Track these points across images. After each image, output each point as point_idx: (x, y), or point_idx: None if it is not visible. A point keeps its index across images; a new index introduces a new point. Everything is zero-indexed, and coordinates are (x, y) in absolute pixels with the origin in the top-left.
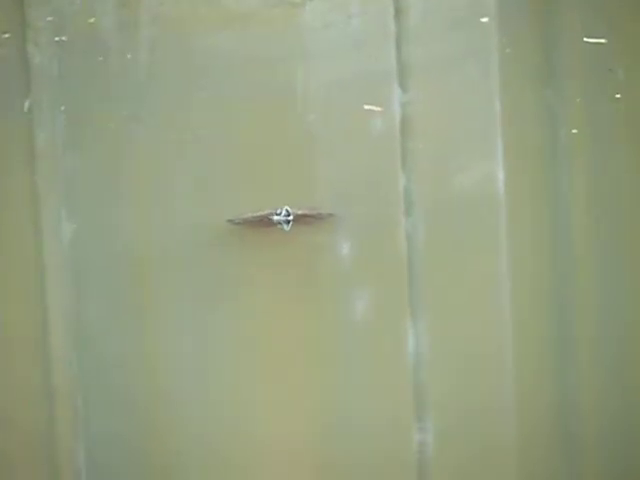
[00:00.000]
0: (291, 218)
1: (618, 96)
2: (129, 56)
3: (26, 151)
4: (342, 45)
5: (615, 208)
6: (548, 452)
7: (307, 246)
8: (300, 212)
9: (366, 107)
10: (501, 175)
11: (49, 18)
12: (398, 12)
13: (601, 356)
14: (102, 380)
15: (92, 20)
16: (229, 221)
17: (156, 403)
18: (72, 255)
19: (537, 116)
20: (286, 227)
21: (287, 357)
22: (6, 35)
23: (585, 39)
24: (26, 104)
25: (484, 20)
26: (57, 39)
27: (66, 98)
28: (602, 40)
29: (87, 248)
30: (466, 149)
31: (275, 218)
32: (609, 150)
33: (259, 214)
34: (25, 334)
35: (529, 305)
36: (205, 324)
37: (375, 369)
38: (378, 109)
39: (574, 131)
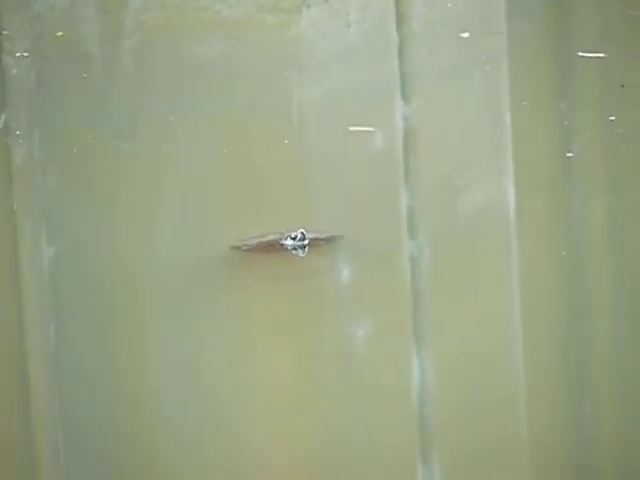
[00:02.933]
0: (307, 242)
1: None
2: (112, 67)
3: (2, 169)
4: (341, 55)
5: (632, 229)
6: None
7: (321, 272)
8: (312, 236)
9: (352, 129)
10: (512, 194)
11: (27, 27)
12: (400, 19)
13: (616, 378)
14: (83, 410)
15: (63, 32)
16: (234, 247)
17: (142, 435)
18: (52, 280)
19: (551, 130)
20: (301, 253)
21: (287, 388)
22: None
23: (582, 53)
24: (1, 119)
25: (494, 28)
26: (35, 49)
27: (45, 113)
28: (601, 55)
29: (68, 272)
30: (474, 166)
31: (288, 243)
32: (626, 167)
33: (268, 239)
34: (2, 361)
35: (541, 333)
36: (199, 354)
37: (379, 401)
38: (369, 129)
39: (589, 146)
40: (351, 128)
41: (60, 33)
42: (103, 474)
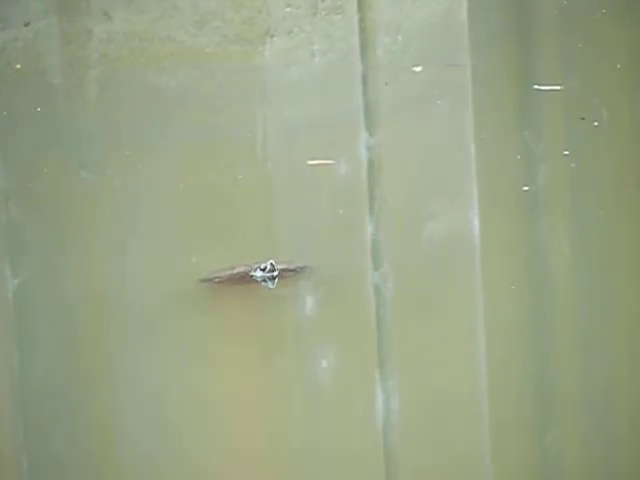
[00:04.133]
0: (276, 274)
1: (597, 143)
2: (76, 97)
3: None
4: (305, 85)
5: (597, 256)
6: None
7: (289, 302)
8: (281, 267)
9: (311, 162)
10: (476, 223)
11: None
12: (364, 49)
13: (582, 413)
14: (49, 444)
15: (26, 63)
16: (204, 280)
17: (108, 464)
18: (16, 310)
19: (515, 159)
20: (271, 284)
21: (255, 418)
22: None
23: (537, 86)
24: None
25: (457, 58)
26: (1, 79)
27: (8, 143)
28: (557, 87)
29: (33, 303)
30: (438, 195)
31: (258, 274)
32: (591, 195)
33: (238, 270)
34: None
35: (505, 360)
36: (166, 384)
37: (343, 429)
38: (328, 162)
39: (554, 175)
40: (310, 162)
41: (23, 64)
42: None
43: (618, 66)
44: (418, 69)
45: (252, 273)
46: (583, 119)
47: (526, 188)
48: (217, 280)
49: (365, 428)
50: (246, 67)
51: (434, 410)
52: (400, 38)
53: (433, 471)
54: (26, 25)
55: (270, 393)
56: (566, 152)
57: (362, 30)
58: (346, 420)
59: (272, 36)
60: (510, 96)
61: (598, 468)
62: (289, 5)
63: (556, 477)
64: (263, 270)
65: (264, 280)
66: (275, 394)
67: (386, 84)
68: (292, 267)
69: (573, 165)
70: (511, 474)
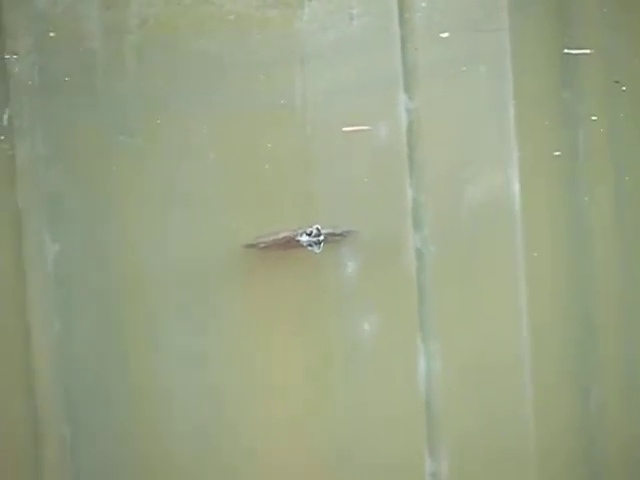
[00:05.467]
0: (322, 238)
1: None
2: (116, 63)
3: (6, 166)
4: (343, 49)
5: (636, 216)
6: (569, 476)
7: (332, 267)
8: (326, 231)
9: (346, 129)
10: (516, 185)
11: (29, 25)
12: (403, 13)
13: (625, 374)
14: (91, 413)
15: (65, 30)
16: (249, 245)
17: (149, 430)
18: (56, 277)
19: (554, 121)
20: (317, 249)
21: (298, 383)
22: None
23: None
24: (5, 116)
25: (496, 23)
26: (38, 47)
27: (49, 109)
28: (587, 51)
29: (73, 270)
30: (478, 158)
31: (304, 239)
32: (632, 155)
33: (284, 235)
34: (7, 358)
35: (548, 323)
36: (209, 351)
37: (385, 393)
38: (364, 128)
39: (595, 135)
40: (345, 129)
41: (62, 30)
42: (109, 469)
43: None
44: (456, 33)
45: (298, 238)
46: (617, 82)
47: (560, 153)
48: (262, 245)
49: (407, 391)
50: (284, 31)
51: (476, 373)
52: (438, 1)
53: (476, 434)
54: None
55: (314, 357)
56: (601, 116)
57: None
58: (388, 383)
59: (310, 0)
60: (547, 60)
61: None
62: None
63: (599, 438)
64: (309, 235)
65: (310, 245)
66: (319, 358)
67: (424, 48)
68: (338, 232)
69: (611, 129)
70: (554, 436)
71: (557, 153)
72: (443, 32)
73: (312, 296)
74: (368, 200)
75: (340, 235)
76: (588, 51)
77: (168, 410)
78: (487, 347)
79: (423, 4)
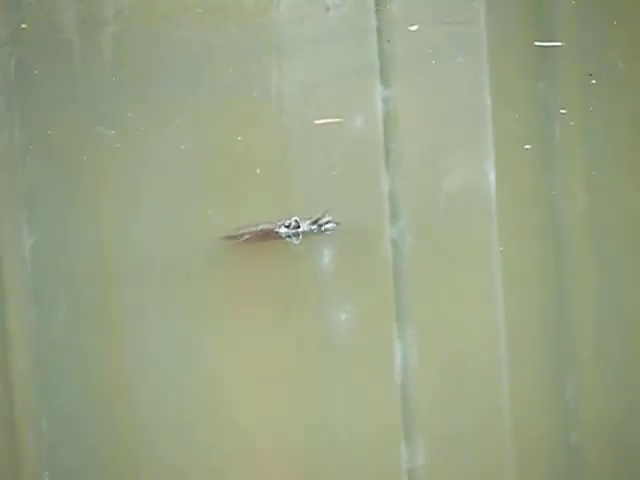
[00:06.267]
0: (301, 230)
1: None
2: (92, 53)
3: None
4: (319, 39)
5: (614, 208)
6: (546, 466)
7: (309, 257)
8: (304, 223)
9: (317, 122)
10: (492, 175)
11: (5, 15)
12: (379, 3)
13: (602, 367)
14: (68, 399)
15: (41, 20)
16: (227, 237)
17: (127, 423)
18: (33, 269)
19: (530, 111)
20: (295, 240)
21: (276, 371)
22: None
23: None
24: None
25: (473, 9)
26: (14, 37)
27: (25, 100)
28: (557, 43)
29: (50, 260)
30: (455, 148)
31: (282, 231)
32: (607, 146)
33: (263, 228)
34: None
35: (523, 312)
36: (185, 340)
37: (362, 383)
38: (336, 120)
39: (570, 125)
40: (316, 122)
41: (38, 22)
42: (87, 459)
43: None
44: (431, 24)
45: (276, 230)
46: (590, 75)
47: (531, 145)
48: (241, 237)
49: (384, 381)
50: (260, 21)
51: (452, 363)
52: None
53: (452, 425)
54: None
55: (291, 346)
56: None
57: None
58: (365, 373)
59: None
60: (522, 51)
61: (619, 421)
62: None
63: (575, 431)
64: (287, 227)
65: (288, 236)
66: (297, 347)
67: (400, 39)
68: (315, 223)
69: (580, 122)
70: (531, 427)
71: (528, 146)
72: (419, 23)
73: (290, 287)
74: (345, 191)
75: (318, 226)
76: (559, 44)
77: (145, 400)
78: (463, 337)
79: None
